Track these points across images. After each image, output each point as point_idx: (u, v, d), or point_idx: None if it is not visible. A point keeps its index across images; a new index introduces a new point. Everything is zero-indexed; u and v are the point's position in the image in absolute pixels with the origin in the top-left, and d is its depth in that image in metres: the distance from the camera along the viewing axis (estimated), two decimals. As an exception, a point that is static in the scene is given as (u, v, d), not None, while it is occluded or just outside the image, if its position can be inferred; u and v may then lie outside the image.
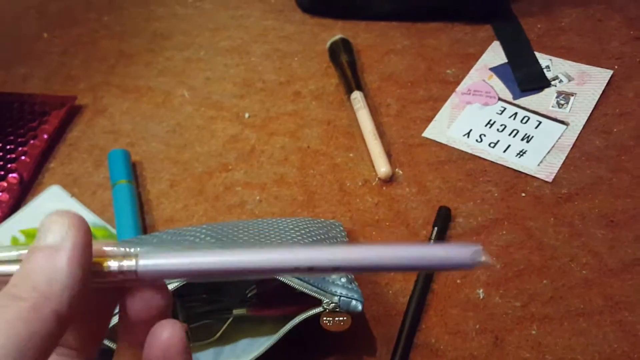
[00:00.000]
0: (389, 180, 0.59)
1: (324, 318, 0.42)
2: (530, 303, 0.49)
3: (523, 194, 0.57)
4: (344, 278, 0.44)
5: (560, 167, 0.58)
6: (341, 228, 0.53)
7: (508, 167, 0.59)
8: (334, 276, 0.44)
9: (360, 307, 0.43)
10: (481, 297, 0.50)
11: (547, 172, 0.58)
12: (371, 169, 0.61)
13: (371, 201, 0.58)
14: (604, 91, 0.64)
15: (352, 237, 0.56)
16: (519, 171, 0.58)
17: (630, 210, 0.54)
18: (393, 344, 0.48)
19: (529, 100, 0.65)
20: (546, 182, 0.57)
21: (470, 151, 0.61)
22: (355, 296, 0.43)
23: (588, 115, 0.62)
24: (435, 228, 0.54)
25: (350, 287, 0.43)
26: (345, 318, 0.42)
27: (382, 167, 0.59)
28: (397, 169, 0.60)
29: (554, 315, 0.48)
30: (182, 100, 0.71)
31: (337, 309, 0.42)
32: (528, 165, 0.59)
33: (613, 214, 0.54)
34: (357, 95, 0.66)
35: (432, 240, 0.53)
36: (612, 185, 0.56)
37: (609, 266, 0.50)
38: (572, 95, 0.64)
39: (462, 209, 0.56)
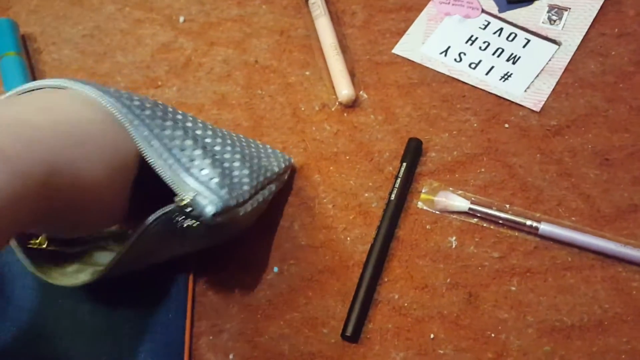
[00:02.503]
0: (352, 105, 0.50)
1: (175, 215, 0.33)
2: (510, 254, 0.42)
3: (506, 125, 0.48)
4: (209, 170, 0.35)
5: (550, 95, 0.50)
6: (286, 164, 0.44)
7: (490, 93, 0.50)
8: (197, 162, 0.35)
9: (210, 213, 0.33)
10: (454, 245, 0.43)
11: (534, 99, 0.50)
12: (331, 91, 0.51)
13: (329, 130, 0.49)
14: (602, 6, 0.55)
15: (305, 172, 0.47)
16: (503, 98, 0.50)
17: (628, 147, 0.46)
18: (350, 300, 0.41)
19: (516, 14, 0.55)
20: (533, 111, 0.49)
21: (447, 72, 0.52)
22: (212, 199, 0.33)
23: (583, 34, 0.53)
24: (404, 164, 0.46)
25: (213, 186, 0.34)
26: (194, 224, 0.33)
27: (344, 89, 0.49)
28: (361, 92, 0.51)
29: (537, 269, 0.42)
30: (102, -2, 0.58)
31: (188, 209, 0.32)
32: (513, 91, 0.50)
33: (608, 151, 0.46)
34: (316, 0, 0.55)
35: (399, 178, 0.45)
36: (608, 117, 0.48)
37: (602, 212, 0.44)
38: (566, 10, 0.55)
39: (436, 141, 0.48)
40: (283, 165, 0.44)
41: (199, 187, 0.33)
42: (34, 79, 0.52)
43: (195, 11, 0.57)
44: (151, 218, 0.32)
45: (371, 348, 0.40)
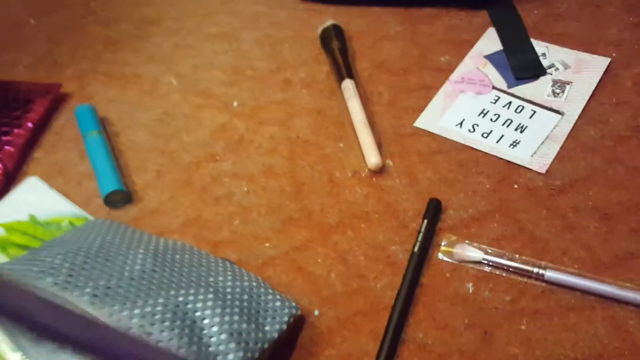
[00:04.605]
0: (379, 171, 0.58)
1: None
2: (520, 298, 0.48)
3: (515, 186, 0.55)
4: None
5: (554, 158, 0.57)
6: (287, 313, 0.46)
7: (501, 158, 0.58)
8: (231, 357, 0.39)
9: None
10: (470, 291, 0.49)
11: (540, 163, 0.57)
12: (361, 160, 0.59)
13: (360, 192, 0.57)
14: (601, 79, 0.62)
15: (340, 230, 0.55)
16: (512, 162, 0.57)
17: (625, 203, 0.53)
18: (380, 339, 0.47)
19: (523, 89, 0.63)
20: (539, 173, 0.56)
21: (462, 141, 0.60)
22: None
23: (584, 104, 0.61)
24: (425, 220, 0.53)
25: None
26: None
27: (372, 158, 0.58)
28: (387, 160, 0.59)
29: (544, 310, 0.47)
30: (169, 88, 0.70)
31: None
32: (521, 156, 0.57)
33: (607, 206, 0.53)
34: (348, 84, 0.64)
35: (421, 233, 0.52)
36: (607, 176, 0.55)
37: (602, 260, 0.49)
38: (568, 84, 0.63)
39: (453, 201, 0.55)
40: (283, 325, 0.45)
41: None
42: (115, 156, 0.63)
43: (246, 97, 0.67)
44: None
45: (399, 380, 0.46)
